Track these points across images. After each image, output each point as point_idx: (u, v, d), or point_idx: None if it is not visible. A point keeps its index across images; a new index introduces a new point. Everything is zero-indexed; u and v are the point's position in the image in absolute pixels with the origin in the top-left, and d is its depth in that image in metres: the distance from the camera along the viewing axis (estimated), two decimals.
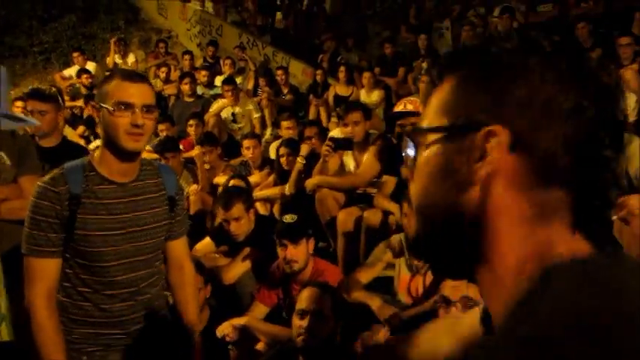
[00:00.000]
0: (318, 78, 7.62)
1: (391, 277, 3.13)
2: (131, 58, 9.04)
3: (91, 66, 8.76)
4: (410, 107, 3.96)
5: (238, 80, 7.58)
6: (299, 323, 2.23)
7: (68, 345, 1.75)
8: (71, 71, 8.74)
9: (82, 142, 5.57)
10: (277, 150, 4.62)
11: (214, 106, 6.52)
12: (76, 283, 1.77)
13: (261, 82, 7.50)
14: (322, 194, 3.87)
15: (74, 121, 6.79)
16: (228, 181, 4.10)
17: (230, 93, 6.44)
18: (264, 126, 6.65)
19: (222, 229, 3.42)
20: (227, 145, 5.84)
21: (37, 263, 1.70)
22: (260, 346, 2.78)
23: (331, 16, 10.13)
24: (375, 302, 2.83)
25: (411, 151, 0.66)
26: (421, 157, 0.64)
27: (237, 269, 3.24)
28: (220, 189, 4.20)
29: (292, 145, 4.46)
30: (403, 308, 2.83)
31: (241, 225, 3.29)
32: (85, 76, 8.05)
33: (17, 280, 1.77)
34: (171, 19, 10.96)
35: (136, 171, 1.83)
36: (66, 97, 7.19)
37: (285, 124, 5.50)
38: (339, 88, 7.19)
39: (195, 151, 4.83)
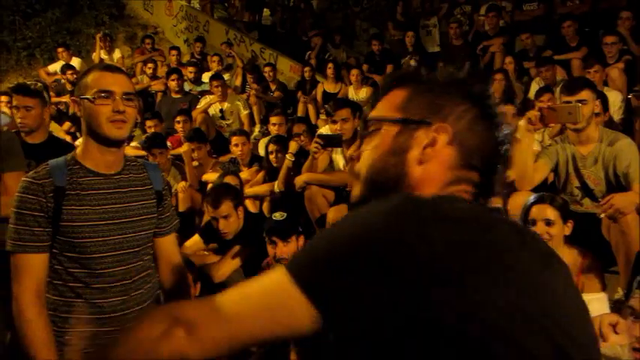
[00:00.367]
0: (306, 75, 7.60)
1: None
2: (117, 54, 8.94)
3: (76, 62, 8.65)
4: None
5: (226, 77, 7.54)
6: None
7: (61, 346, 1.72)
8: (56, 67, 8.63)
9: (67, 138, 5.51)
10: (266, 147, 4.60)
11: (202, 103, 6.48)
12: (66, 279, 1.75)
13: (249, 78, 7.46)
14: (311, 192, 3.86)
15: (60, 117, 6.71)
16: (221, 177, 4.07)
17: (218, 89, 6.41)
18: (252, 123, 6.62)
19: (211, 226, 3.40)
20: (215, 141, 5.81)
21: (23, 259, 1.68)
22: None
23: (318, 13, 10.11)
24: None
25: (365, 133, 0.92)
26: (375, 140, 0.90)
27: (227, 267, 3.22)
28: (210, 186, 4.17)
29: (281, 142, 4.44)
30: None
31: (230, 223, 3.27)
32: (69, 72, 7.95)
33: (5, 278, 1.74)
34: (157, 14, 10.86)
35: (121, 164, 1.83)
36: (51, 93, 7.10)
37: (273, 119, 5.48)
38: (327, 85, 7.18)
39: (184, 148, 4.79)
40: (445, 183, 0.85)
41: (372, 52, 8.12)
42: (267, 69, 7.66)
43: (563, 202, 2.79)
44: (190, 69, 7.61)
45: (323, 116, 6.07)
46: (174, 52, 8.57)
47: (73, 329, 1.75)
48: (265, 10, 10.79)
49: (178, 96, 6.86)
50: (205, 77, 7.67)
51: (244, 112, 6.52)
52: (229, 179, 3.96)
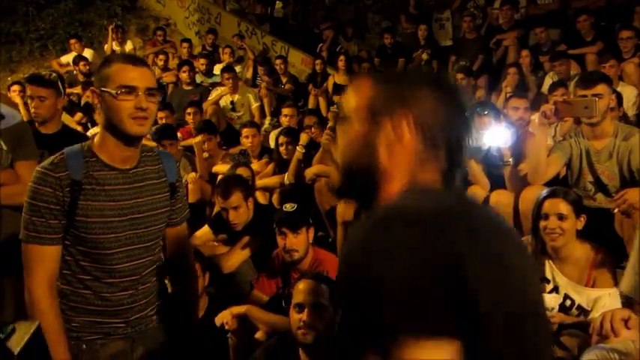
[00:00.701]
0: (317, 67, 7.57)
1: None
2: (129, 46, 8.96)
3: (88, 53, 8.68)
4: None
5: (237, 69, 7.53)
6: (297, 317, 2.19)
7: (68, 333, 1.72)
8: (68, 58, 8.67)
9: (79, 128, 5.53)
10: (277, 139, 4.59)
11: (213, 95, 6.48)
12: (76, 270, 1.74)
13: (260, 71, 7.46)
14: (322, 184, 3.85)
15: (71, 108, 6.74)
16: (233, 168, 4.07)
17: (229, 81, 6.41)
18: (263, 115, 6.62)
19: (221, 217, 3.40)
20: (226, 133, 5.81)
21: (37, 250, 1.67)
22: (259, 335, 2.76)
23: (330, 6, 10.06)
24: None
25: (340, 126, 0.99)
26: (348, 129, 0.95)
27: (237, 258, 3.23)
28: (220, 177, 4.17)
29: (292, 134, 4.44)
30: None
31: (240, 214, 3.27)
32: (82, 63, 7.98)
33: (15, 266, 1.75)
34: (169, 6, 10.87)
35: (137, 157, 1.80)
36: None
37: (285, 111, 5.47)
38: (338, 78, 7.15)
39: (196, 139, 4.79)
40: (413, 164, 0.90)
41: (383, 45, 8.08)
42: (278, 61, 7.65)
43: (576, 196, 2.76)
44: (202, 61, 7.62)
45: (334, 108, 6.05)
46: (185, 44, 8.57)
47: (80, 318, 1.77)
48: (277, 2, 10.76)
49: (190, 88, 6.87)
50: (217, 69, 7.67)
51: (255, 105, 6.51)
52: (241, 171, 3.96)
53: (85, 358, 1.76)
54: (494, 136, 3.38)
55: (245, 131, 4.80)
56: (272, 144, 5.16)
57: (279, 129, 5.21)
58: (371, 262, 0.73)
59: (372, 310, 0.72)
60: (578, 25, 6.27)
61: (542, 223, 2.64)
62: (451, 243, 0.72)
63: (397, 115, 0.90)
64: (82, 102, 7.14)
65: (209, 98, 6.44)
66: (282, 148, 4.41)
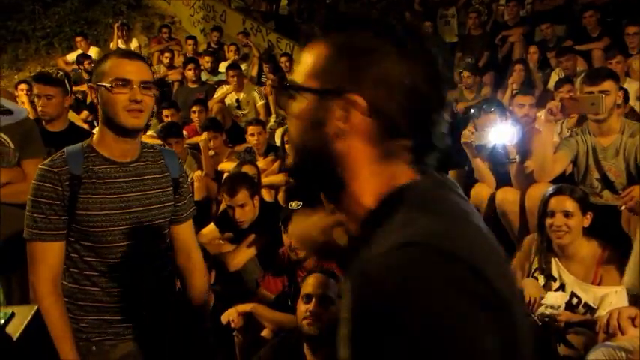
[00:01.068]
0: None
1: None
2: (134, 44, 8.98)
3: (94, 51, 8.70)
4: None
5: (242, 67, 7.54)
6: (304, 307, 2.23)
7: (77, 334, 1.74)
8: (74, 56, 8.68)
9: (85, 126, 5.55)
10: (282, 136, 4.59)
11: (218, 92, 6.49)
12: (82, 267, 1.75)
13: (266, 68, 7.45)
14: None
15: (78, 106, 6.76)
16: (238, 166, 4.08)
17: (234, 78, 6.41)
18: (268, 113, 6.62)
19: (227, 215, 3.41)
20: (231, 131, 5.81)
21: (40, 247, 1.69)
22: (265, 332, 2.77)
23: (334, 3, 10.04)
24: None
25: (288, 100, 0.84)
26: (296, 107, 0.81)
27: (242, 256, 3.24)
28: (226, 175, 4.18)
29: None
30: None
31: (246, 212, 3.28)
32: (86, 61, 7.99)
33: (21, 264, 1.76)
34: (175, 4, 10.87)
35: (137, 151, 1.81)
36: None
37: None
38: None
39: (202, 137, 4.80)
40: (377, 157, 0.77)
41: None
42: (283, 59, 7.64)
43: (582, 193, 2.75)
44: (207, 59, 7.62)
45: None
46: (190, 41, 8.58)
47: (89, 317, 1.77)
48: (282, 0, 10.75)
49: (195, 86, 6.88)
50: (222, 67, 7.67)
51: (260, 102, 6.51)
52: (247, 169, 3.97)
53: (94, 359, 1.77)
54: (500, 133, 3.37)
55: (250, 129, 4.80)
56: (277, 141, 5.16)
57: (284, 126, 5.20)
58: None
59: None
60: (584, 21, 6.24)
61: (549, 221, 2.63)
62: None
63: (348, 99, 0.75)
64: (88, 100, 7.16)
65: (214, 96, 6.44)
66: (287, 146, 4.41)
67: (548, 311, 2.50)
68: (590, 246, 2.64)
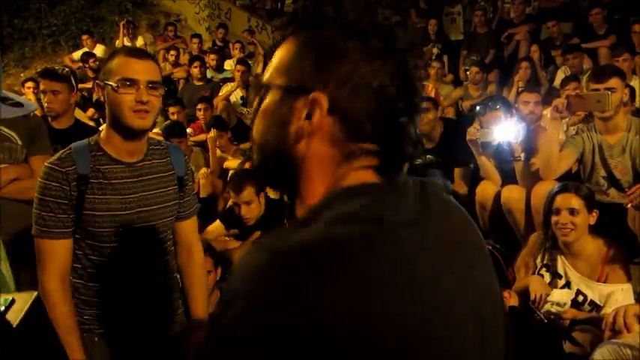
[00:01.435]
0: None
1: None
2: (140, 41, 9.00)
3: (99, 49, 8.73)
4: None
5: None
6: None
7: (80, 326, 1.75)
8: (80, 54, 8.72)
9: (92, 124, 5.57)
10: None
11: (223, 90, 6.50)
12: (86, 264, 1.76)
13: None
14: None
15: (84, 103, 6.79)
16: (242, 163, 4.09)
17: (240, 73, 6.39)
18: None
19: (233, 212, 3.42)
20: (237, 128, 5.82)
21: (48, 245, 1.69)
22: None
23: (339, 0, 10.03)
24: None
25: (257, 97, 0.81)
26: (263, 104, 0.78)
27: None
28: (232, 172, 4.19)
29: None
30: None
31: (252, 209, 3.29)
32: (91, 59, 8.00)
33: (28, 260, 1.77)
34: (180, 2, 10.88)
35: (144, 150, 1.80)
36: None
37: None
38: None
39: (209, 134, 4.81)
40: (337, 160, 0.73)
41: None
42: None
43: (588, 191, 2.74)
44: (212, 56, 7.63)
45: None
46: (196, 39, 8.59)
47: (92, 310, 1.79)
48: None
49: (200, 83, 6.89)
50: (227, 65, 7.68)
51: None
52: (250, 165, 3.97)
53: (96, 351, 1.78)
54: (505, 130, 3.37)
55: None
56: None
57: None
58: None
59: None
60: (590, 19, 6.21)
61: (554, 219, 2.63)
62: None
63: (311, 97, 0.72)
64: (94, 98, 7.19)
65: (219, 94, 6.45)
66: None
67: (554, 309, 2.50)
68: (596, 243, 2.63)
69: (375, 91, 0.72)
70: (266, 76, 0.79)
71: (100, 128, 5.06)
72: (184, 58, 8.09)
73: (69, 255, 1.73)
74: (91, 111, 6.64)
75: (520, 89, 5.12)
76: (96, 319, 1.79)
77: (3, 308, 1.18)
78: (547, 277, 2.70)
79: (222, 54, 8.01)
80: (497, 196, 3.46)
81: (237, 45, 8.11)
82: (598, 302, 2.56)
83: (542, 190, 3.03)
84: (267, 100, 0.78)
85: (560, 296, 2.53)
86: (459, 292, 0.67)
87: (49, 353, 1.58)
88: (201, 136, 5.27)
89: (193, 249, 2.00)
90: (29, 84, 6.08)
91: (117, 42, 9.08)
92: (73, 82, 3.24)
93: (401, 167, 0.76)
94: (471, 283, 0.70)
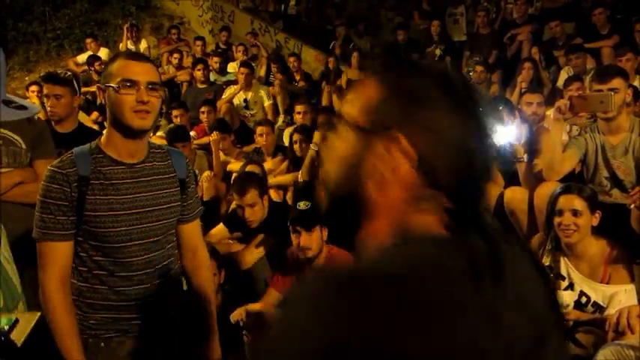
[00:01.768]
0: (331, 64, 7.58)
1: None
2: (143, 44, 9.03)
3: (103, 52, 8.76)
4: None
5: None
6: None
7: (85, 331, 1.76)
8: (84, 57, 8.75)
9: (95, 127, 5.59)
10: (290, 136, 4.61)
11: (226, 93, 6.51)
12: (91, 266, 1.78)
13: (274, 68, 7.47)
14: None
15: (88, 107, 6.82)
16: (244, 166, 4.10)
17: (243, 76, 6.40)
18: (276, 113, 6.63)
19: (236, 215, 3.43)
20: (240, 131, 5.84)
21: (49, 247, 1.71)
22: None
23: (342, 2, 10.05)
24: None
25: (331, 134, 0.79)
26: (338, 140, 0.76)
27: (252, 255, 3.25)
28: (235, 175, 4.20)
29: (305, 132, 4.45)
30: None
31: (255, 211, 3.29)
32: (97, 63, 8.03)
33: (31, 263, 1.78)
34: (184, 5, 10.92)
35: (145, 152, 1.83)
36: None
37: (298, 108, 5.47)
38: (352, 73, 7.14)
39: (212, 137, 4.82)
40: (407, 201, 0.72)
41: (396, 41, 8.05)
42: (291, 59, 7.66)
43: (591, 192, 2.74)
44: (215, 59, 7.64)
45: None
46: (199, 42, 8.61)
47: (98, 314, 1.79)
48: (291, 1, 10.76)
49: (204, 86, 6.91)
50: (230, 67, 7.70)
51: (268, 102, 6.53)
52: (251, 168, 3.99)
53: (102, 356, 1.79)
54: (508, 131, 3.37)
55: (259, 129, 4.82)
56: (286, 141, 5.17)
57: (294, 126, 5.22)
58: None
59: None
60: (593, 19, 6.20)
61: (557, 220, 2.62)
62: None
63: (392, 138, 0.71)
64: (98, 101, 7.22)
65: (223, 97, 6.47)
66: (295, 146, 4.42)
67: None
68: (599, 245, 2.63)
69: (457, 144, 0.71)
70: (344, 113, 0.77)
71: (104, 132, 5.10)
72: (188, 61, 8.11)
73: (69, 258, 1.74)
74: (95, 114, 6.66)
75: (523, 90, 5.10)
76: (101, 324, 1.80)
77: (7, 327, 1.19)
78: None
79: (226, 57, 8.02)
80: (500, 197, 3.46)
81: (241, 47, 8.13)
82: (601, 303, 2.56)
83: (545, 191, 3.02)
84: (342, 138, 0.76)
85: (564, 298, 2.53)
86: None
87: None
88: (205, 139, 5.28)
89: (198, 252, 2.02)
90: (33, 87, 6.11)
91: (121, 45, 9.11)
92: (76, 85, 3.26)
93: (467, 226, 0.71)
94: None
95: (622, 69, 3.40)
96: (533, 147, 3.44)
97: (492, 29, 7.39)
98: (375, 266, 0.61)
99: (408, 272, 0.59)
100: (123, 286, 1.79)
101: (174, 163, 1.90)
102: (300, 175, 4.19)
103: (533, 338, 0.62)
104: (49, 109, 3.17)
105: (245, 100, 6.50)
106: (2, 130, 2.51)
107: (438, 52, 7.50)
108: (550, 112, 3.63)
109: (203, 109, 5.77)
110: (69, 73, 3.37)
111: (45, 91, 3.21)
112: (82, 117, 5.31)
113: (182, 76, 7.77)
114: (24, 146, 2.60)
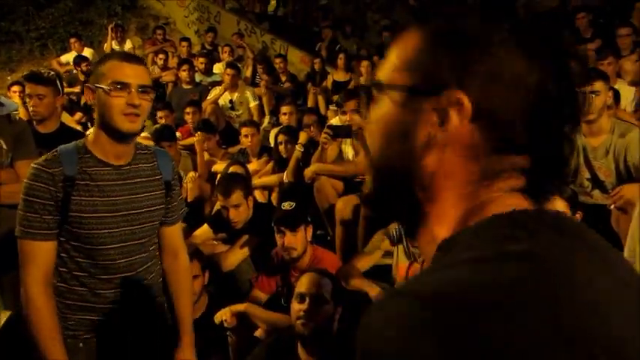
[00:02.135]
0: (316, 66, 7.58)
1: (389, 265, 3.14)
2: (128, 45, 8.97)
3: (88, 52, 8.69)
4: None
5: None
6: (298, 307, 2.23)
7: (64, 331, 1.74)
8: (68, 57, 8.67)
9: (79, 128, 5.54)
10: (276, 137, 4.60)
11: (212, 94, 6.49)
12: (71, 267, 1.76)
13: (260, 69, 7.46)
14: (321, 182, 3.87)
15: (71, 107, 6.75)
16: (227, 167, 4.09)
17: (229, 77, 6.39)
18: (262, 114, 6.63)
19: (221, 216, 3.42)
20: (225, 132, 5.82)
21: (32, 246, 1.69)
22: (259, 332, 2.78)
23: (329, 4, 10.08)
24: (373, 290, 2.83)
25: (368, 105, 0.66)
26: (379, 113, 0.63)
27: (236, 256, 3.24)
28: (219, 176, 4.19)
29: (291, 133, 4.45)
30: None
31: (240, 212, 3.28)
32: (84, 63, 7.96)
33: (14, 265, 1.76)
34: (169, 5, 10.87)
35: (131, 154, 1.81)
36: (64, 84, 7.12)
37: (284, 109, 5.47)
38: (337, 75, 7.16)
39: (196, 138, 4.81)
40: (475, 178, 0.58)
41: (383, 43, 8.08)
42: (277, 60, 7.65)
43: (572, 192, 2.77)
44: (201, 60, 7.61)
45: (333, 107, 6.06)
46: (185, 43, 8.57)
47: (76, 316, 1.78)
48: (272, 1, 10.76)
49: (189, 87, 6.88)
50: (216, 68, 7.68)
51: (253, 103, 6.52)
52: (235, 169, 3.98)
53: (81, 356, 1.78)
54: None
55: (244, 130, 4.81)
56: (272, 142, 5.17)
57: (278, 127, 5.22)
58: None
59: None
60: (576, 23, 6.28)
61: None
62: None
63: (448, 95, 0.57)
64: (82, 102, 7.16)
65: (208, 97, 6.44)
66: (281, 147, 4.42)
67: None
68: None
69: (535, 91, 0.57)
70: (381, 77, 0.64)
71: (87, 132, 5.07)
72: (173, 62, 8.08)
73: (52, 257, 1.72)
74: (78, 115, 6.60)
75: None
76: (80, 325, 1.78)
77: None
78: None
79: (211, 57, 8.00)
80: None
81: (227, 48, 8.11)
82: None
83: None
84: (384, 109, 0.63)
85: None
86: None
87: None
88: (190, 140, 5.26)
89: (179, 254, 2.01)
90: (15, 87, 6.03)
91: (105, 45, 9.05)
92: (59, 85, 3.23)
93: (554, 190, 0.61)
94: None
95: (603, 72, 3.45)
96: None
97: None
98: (462, 286, 0.48)
99: (503, 299, 0.46)
100: (103, 288, 1.78)
101: (160, 165, 1.88)
102: (285, 176, 4.19)
103: None
104: (31, 108, 3.14)
105: (231, 101, 6.49)
106: None
107: None
108: None
109: (188, 109, 5.74)
110: (52, 72, 3.34)
111: (27, 90, 3.17)
112: (65, 117, 5.26)
113: (167, 77, 7.73)
114: (5, 147, 2.57)
